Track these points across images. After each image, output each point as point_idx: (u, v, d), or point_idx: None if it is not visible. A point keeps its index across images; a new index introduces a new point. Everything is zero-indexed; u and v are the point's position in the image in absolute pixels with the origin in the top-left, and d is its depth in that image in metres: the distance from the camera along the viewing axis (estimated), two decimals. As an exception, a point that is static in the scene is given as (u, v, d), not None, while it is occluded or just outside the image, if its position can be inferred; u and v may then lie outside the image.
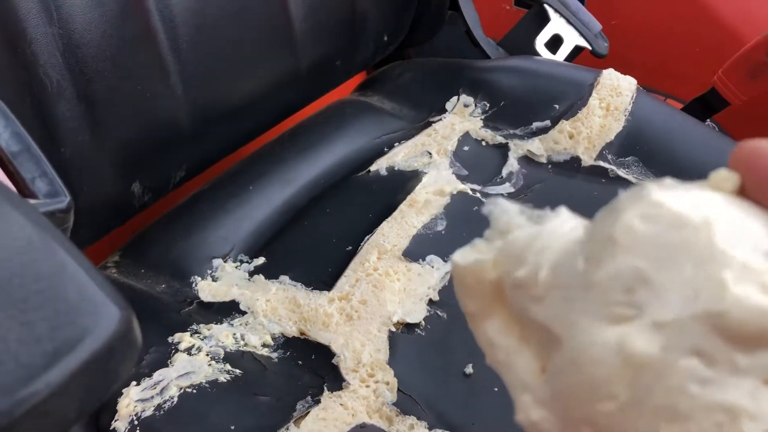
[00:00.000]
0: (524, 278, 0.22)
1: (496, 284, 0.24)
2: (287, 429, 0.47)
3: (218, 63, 0.66)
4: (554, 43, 0.87)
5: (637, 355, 0.19)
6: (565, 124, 0.74)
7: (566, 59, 0.87)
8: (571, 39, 0.87)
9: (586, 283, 0.21)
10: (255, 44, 0.69)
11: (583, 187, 0.70)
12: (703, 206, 0.20)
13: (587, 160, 0.72)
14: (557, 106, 0.76)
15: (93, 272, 0.22)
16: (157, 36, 0.60)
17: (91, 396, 0.21)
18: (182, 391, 0.49)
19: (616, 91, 0.75)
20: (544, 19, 0.87)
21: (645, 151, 0.72)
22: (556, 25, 0.87)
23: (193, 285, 0.62)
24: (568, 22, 0.87)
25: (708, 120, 0.96)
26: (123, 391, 0.49)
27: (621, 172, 0.71)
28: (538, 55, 0.86)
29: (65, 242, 0.23)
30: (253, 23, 0.68)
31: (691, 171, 0.69)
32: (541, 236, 0.23)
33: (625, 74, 0.77)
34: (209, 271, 0.63)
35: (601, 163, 0.72)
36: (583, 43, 0.87)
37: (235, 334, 0.56)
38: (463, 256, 0.25)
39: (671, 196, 0.20)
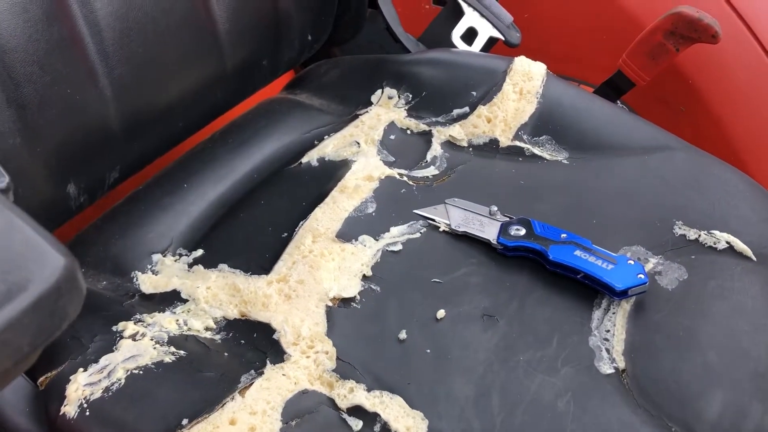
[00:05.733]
0: None
1: None
2: (233, 399, 0.50)
3: (145, 65, 0.68)
4: (470, 35, 0.92)
5: None
6: (482, 109, 0.78)
7: (482, 50, 0.92)
8: (485, 31, 0.92)
9: None
10: (180, 46, 0.71)
11: (501, 165, 0.75)
12: None
13: (504, 141, 0.77)
14: (474, 93, 0.80)
15: (38, 228, 0.25)
16: (84, 40, 0.62)
17: (42, 331, 0.23)
18: (129, 373, 0.52)
19: (527, 76, 0.80)
20: (459, 13, 0.91)
21: (557, 130, 0.77)
22: (470, 18, 0.91)
23: (134, 279, 0.63)
24: (482, 15, 0.92)
25: (618, 102, 1.02)
26: (71, 377, 0.51)
27: (536, 150, 0.76)
28: (455, 47, 0.91)
29: (9, 203, 0.25)
30: (177, 25, 0.70)
31: (596, 144, 0.74)
32: None
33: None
34: (149, 266, 0.65)
35: (518, 143, 0.76)
36: (497, 34, 0.92)
37: (178, 320, 0.58)
38: None
39: None
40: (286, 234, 0.66)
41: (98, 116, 0.65)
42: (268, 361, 0.54)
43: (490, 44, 0.93)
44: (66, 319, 0.24)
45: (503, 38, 0.92)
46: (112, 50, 0.64)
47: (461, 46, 0.91)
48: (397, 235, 0.66)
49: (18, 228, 0.24)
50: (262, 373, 0.53)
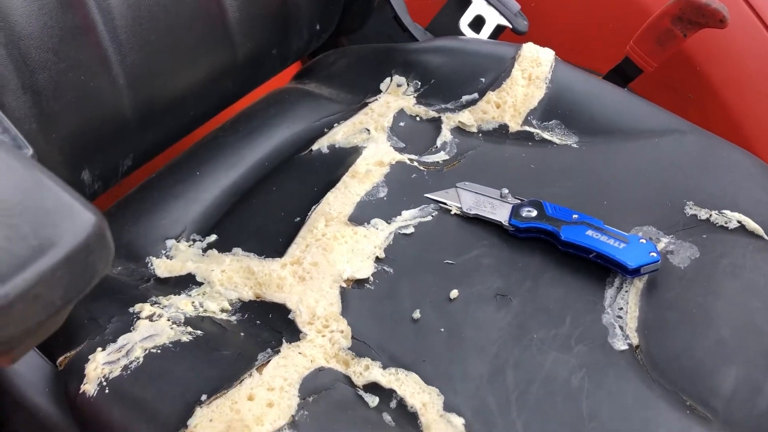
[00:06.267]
0: None
1: None
2: (250, 375, 0.50)
3: (157, 54, 0.69)
4: (477, 23, 0.92)
5: None
6: (491, 95, 0.79)
7: (489, 38, 0.92)
8: (493, 19, 0.92)
9: None
10: (191, 34, 0.72)
11: (511, 150, 0.75)
12: None
13: (514, 126, 0.77)
14: (483, 80, 0.81)
15: (67, 188, 0.26)
16: (97, 28, 0.62)
17: (73, 285, 0.24)
18: (147, 351, 0.52)
19: (536, 62, 0.80)
20: (467, 2, 0.92)
21: (566, 114, 0.77)
22: (477, 6, 0.92)
23: (149, 264, 0.64)
24: (489, 3, 0.92)
25: (625, 89, 1.02)
26: (89, 357, 0.52)
27: (546, 135, 0.76)
28: (463, 35, 0.92)
29: (40, 165, 0.26)
30: (188, 14, 0.70)
31: (606, 128, 0.75)
32: None
33: (544, 50, 0.82)
34: (163, 251, 0.66)
35: (527, 128, 0.77)
36: (504, 22, 0.92)
37: (193, 302, 0.58)
38: None
39: None
40: (298, 218, 0.67)
41: (112, 104, 0.66)
42: (284, 340, 0.54)
43: (498, 32, 0.93)
44: (96, 275, 0.25)
45: (511, 26, 0.93)
46: (124, 38, 0.65)
47: (469, 34, 0.92)
48: (408, 218, 0.67)
49: (48, 187, 0.25)
50: (279, 351, 0.53)
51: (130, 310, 0.57)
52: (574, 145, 0.74)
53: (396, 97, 0.83)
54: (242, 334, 0.56)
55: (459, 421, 0.50)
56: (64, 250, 0.23)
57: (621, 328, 0.56)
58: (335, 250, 0.62)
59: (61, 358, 0.54)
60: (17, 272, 0.22)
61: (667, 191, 0.68)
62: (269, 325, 0.57)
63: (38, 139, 0.59)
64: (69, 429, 0.52)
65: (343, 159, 0.74)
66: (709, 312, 0.57)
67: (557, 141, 0.75)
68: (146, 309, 0.56)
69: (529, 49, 0.81)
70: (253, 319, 0.58)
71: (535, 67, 0.80)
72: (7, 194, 0.24)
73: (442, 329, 0.56)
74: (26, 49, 0.57)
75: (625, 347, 0.55)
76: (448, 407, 0.51)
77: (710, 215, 0.65)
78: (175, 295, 0.59)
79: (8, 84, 0.56)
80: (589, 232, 0.62)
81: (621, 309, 0.58)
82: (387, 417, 0.50)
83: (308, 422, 0.48)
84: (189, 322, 0.56)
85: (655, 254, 0.59)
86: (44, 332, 0.25)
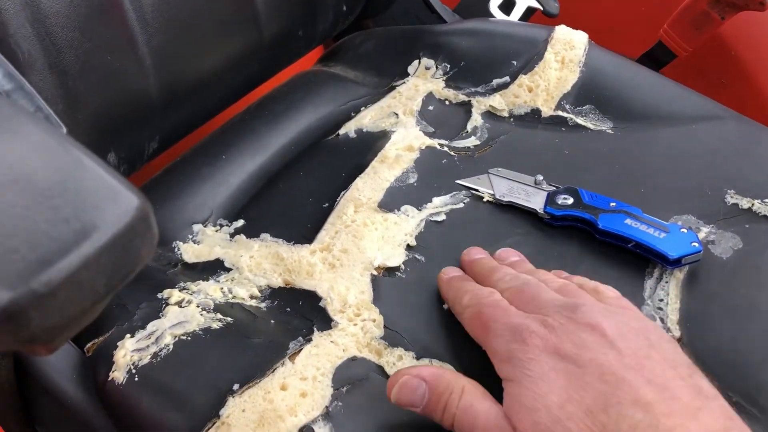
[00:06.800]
0: None
1: None
2: (283, 364, 0.49)
3: (184, 34, 0.68)
4: (507, 5, 0.90)
5: None
6: (523, 79, 0.77)
7: (520, 20, 0.90)
8: (524, 0, 0.90)
9: None
10: (218, 15, 0.70)
11: (544, 136, 0.73)
12: None
13: (546, 111, 0.75)
14: (515, 63, 0.78)
15: (108, 168, 0.24)
16: (123, 6, 0.61)
17: (117, 272, 0.23)
18: (177, 338, 0.51)
19: (569, 45, 0.78)
20: (497, -17, 0.90)
21: (600, 99, 0.75)
22: (508, -13, 0.90)
23: (176, 249, 0.63)
24: (519, -16, 0.90)
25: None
26: (118, 343, 0.51)
27: (579, 120, 0.74)
28: (493, 17, 0.89)
29: (78, 144, 0.24)
30: (216, -7, 0.69)
31: (641, 113, 0.72)
32: None
33: (576, 32, 0.80)
34: (190, 236, 0.64)
35: (560, 113, 0.75)
36: (535, 4, 0.90)
37: (222, 288, 0.57)
38: None
39: None
40: (327, 204, 0.65)
41: (138, 85, 0.65)
42: (315, 328, 0.53)
43: (528, 14, 0.91)
44: (140, 261, 0.24)
45: (542, 8, 0.90)
46: (151, 18, 0.64)
47: (499, 15, 0.89)
48: (440, 205, 0.65)
49: (89, 167, 0.23)
50: (310, 339, 0.52)
51: (159, 295, 0.55)
52: (609, 131, 0.72)
53: (424, 80, 0.81)
54: (272, 321, 0.55)
55: (496, 414, 0.48)
56: (108, 233, 0.22)
57: (662, 320, 0.55)
58: (365, 237, 0.60)
59: (89, 345, 0.53)
60: (61, 257, 0.21)
61: (706, 179, 0.66)
62: (300, 312, 0.55)
63: (65, 120, 0.57)
64: (97, 416, 0.51)
65: (371, 143, 0.72)
66: (754, 303, 0.55)
67: (591, 126, 0.73)
68: (175, 295, 0.55)
69: (562, 31, 0.79)
70: (283, 306, 0.56)
71: (568, 50, 0.78)
72: (47, 174, 0.23)
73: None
74: (52, 28, 0.56)
75: (667, 340, 0.53)
76: (484, 399, 0.49)
77: (752, 204, 0.62)
78: (203, 281, 0.58)
79: (35, 63, 0.55)
80: (628, 221, 0.60)
81: (661, 300, 0.56)
82: (422, 409, 0.48)
83: (342, 413, 0.47)
84: (218, 308, 0.55)
85: (696, 244, 0.57)
86: (84, 321, 0.23)
